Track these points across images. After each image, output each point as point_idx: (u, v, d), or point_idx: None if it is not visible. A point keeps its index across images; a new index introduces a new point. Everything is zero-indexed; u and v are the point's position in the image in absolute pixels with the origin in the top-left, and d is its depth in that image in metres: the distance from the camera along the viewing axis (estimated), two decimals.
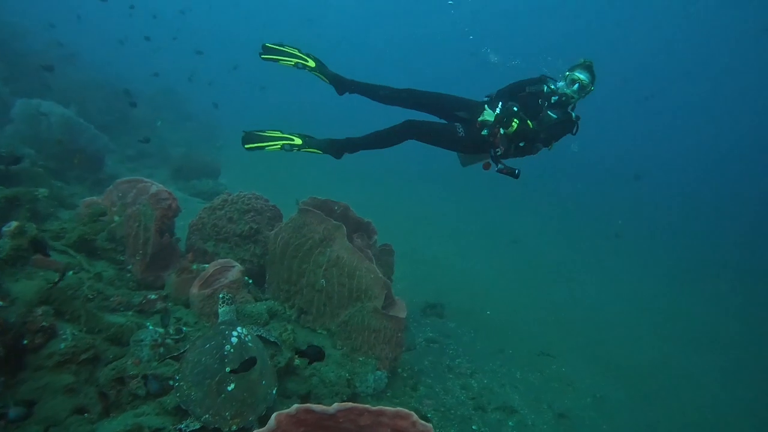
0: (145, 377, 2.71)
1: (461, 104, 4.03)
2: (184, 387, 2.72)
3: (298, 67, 3.85)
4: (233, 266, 3.64)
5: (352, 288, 4.05)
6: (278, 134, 3.62)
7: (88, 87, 8.31)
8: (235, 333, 2.90)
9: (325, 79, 4.00)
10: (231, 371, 2.67)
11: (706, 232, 19.41)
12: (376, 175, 15.10)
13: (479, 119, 3.77)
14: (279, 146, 3.55)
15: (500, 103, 3.80)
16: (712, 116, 33.76)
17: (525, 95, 3.98)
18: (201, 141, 11.52)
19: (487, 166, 3.92)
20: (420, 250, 9.59)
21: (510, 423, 4.65)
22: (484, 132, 3.75)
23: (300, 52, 3.91)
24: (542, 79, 4.04)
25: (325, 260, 4.03)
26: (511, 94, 3.99)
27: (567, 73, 3.95)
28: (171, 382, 2.82)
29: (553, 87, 3.97)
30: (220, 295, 3.10)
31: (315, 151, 3.67)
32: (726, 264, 14.93)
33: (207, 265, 3.67)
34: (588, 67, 3.95)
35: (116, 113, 8.48)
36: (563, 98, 3.90)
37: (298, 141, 3.61)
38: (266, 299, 3.89)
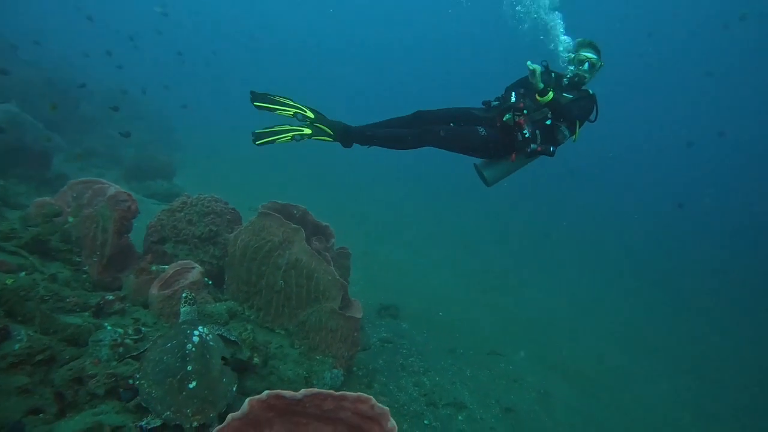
0: (119, 389, 2.73)
1: (476, 110, 3.95)
2: (145, 385, 2.76)
3: (297, 118, 3.47)
4: (193, 267, 3.68)
5: (311, 289, 4.17)
6: (290, 103, 3.43)
7: (33, 84, 7.96)
8: (196, 332, 2.97)
9: (327, 133, 3.49)
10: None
11: (637, 235, 20.67)
12: (334, 179, 15.23)
13: (504, 105, 3.72)
14: (289, 137, 3.33)
15: (513, 92, 3.76)
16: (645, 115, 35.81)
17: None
18: (153, 141, 11.24)
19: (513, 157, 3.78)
20: (376, 254, 9.80)
21: (460, 417, 4.90)
22: (507, 117, 3.66)
23: (293, 101, 3.56)
24: (547, 69, 3.97)
25: (284, 262, 4.13)
26: (520, 86, 3.90)
27: (571, 55, 3.92)
28: (131, 381, 2.86)
29: (560, 71, 3.96)
30: (183, 295, 3.16)
31: (325, 138, 3.44)
32: (663, 269, 16.08)
33: (166, 267, 3.69)
34: (591, 45, 3.92)
35: (64, 111, 8.15)
36: (576, 78, 3.86)
37: (310, 114, 3.41)
38: (226, 300, 3.95)
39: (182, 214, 4.18)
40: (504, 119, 3.68)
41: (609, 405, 6.50)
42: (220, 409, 2.98)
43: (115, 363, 2.93)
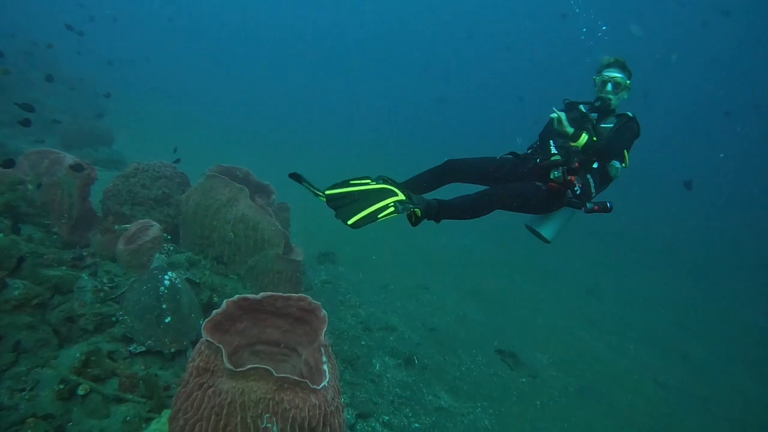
0: None
1: (514, 162, 3.54)
2: (128, 320, 3.44)
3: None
4: (152, 225, 4.27)
5: (257, 239, 4.89)
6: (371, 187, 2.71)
7: None
8: (167, 277, 3.63)
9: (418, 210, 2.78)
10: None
11: None
12: (273, 140, 15.55)
13: (548, 159, 3.30)
14: (391, 211, 2.58)
15: (551, 141, 3.42)
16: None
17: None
18: (83, 108, 11.00)
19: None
20: (315, 209, 10.52)
21: (391, 338, 5.92)
22: (556, 174, 3.23)
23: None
24: (571, 105, 3.63)
25: (232, 217, 4.80)
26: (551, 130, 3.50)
27: (595, 78, 3.55)
28: (113, 319, 3.51)
29: (588, 105, 3.58)
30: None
31: (416, 211, 2.77)
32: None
33: (128, 225, 4.26)
34: (617, 63, 3.52)
35: None
36: (597, 103, 3.48)
37: (401, 196, 2.65)
38: (183, 252, 4.59)
39: (136, 179, 4.68)
40: (552, 177, 3.25)
41: (513, 319, 7.87)
42: (191, 338, 3.71)
43: (98, 305, 3.56)
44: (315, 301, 2.45)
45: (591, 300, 10.39)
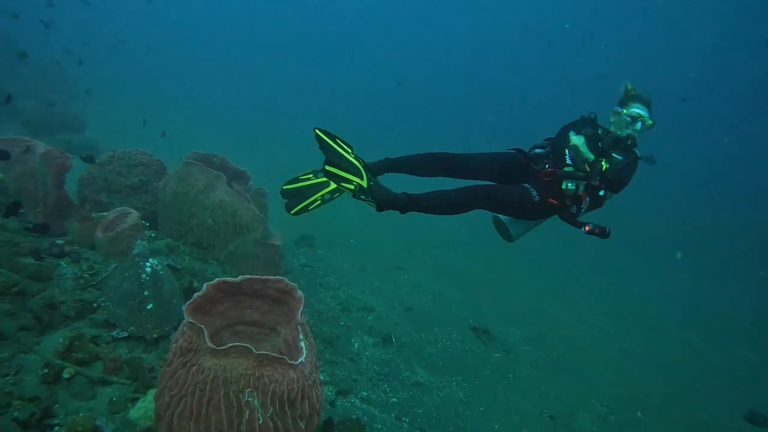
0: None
1: (519, 160, 3.42)
2: (111, 306, 3.50)
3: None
4: (131, 212, 4.31)
5: (235, 224, 4.97)
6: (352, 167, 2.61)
7: None
8: (148, 263, 3.69)
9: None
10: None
11: None
12: (249, 127, 15.44)
13: (563, 170, 3.11)
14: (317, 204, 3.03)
15: (566, 151, 3.25)
16: None
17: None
18: (51, 92, 10.70)
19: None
20: None
21: (369, 317, 6.10)
22: (570, 186, 3.06)
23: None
24: (589, 121, 3.45)
25: (210, 203, 4.85)
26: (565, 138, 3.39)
27: (621, 110, 3.38)
28: (94, 305, 3.58)
29: (608, 129, 3.44)
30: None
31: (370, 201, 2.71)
32: None
33: (106, 213, 4.29)
34: (646, 102, 3.40)
35: None
36: (629, 141, 3.33)
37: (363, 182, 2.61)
38: (163, 238, 4.65)
39: (111, 167, 4.69)
40: (563, 188, 3.09)
41: (488, 298, 8.16)
42: (173, 324, 3.79)
43: (79, 292, 3.62)
44: (291, 283, 2.58)
45: (565, 278, 10.79)
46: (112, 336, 3.41)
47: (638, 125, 3.33)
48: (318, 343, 4.92)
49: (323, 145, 2.60)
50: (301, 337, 2.28)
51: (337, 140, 2.65)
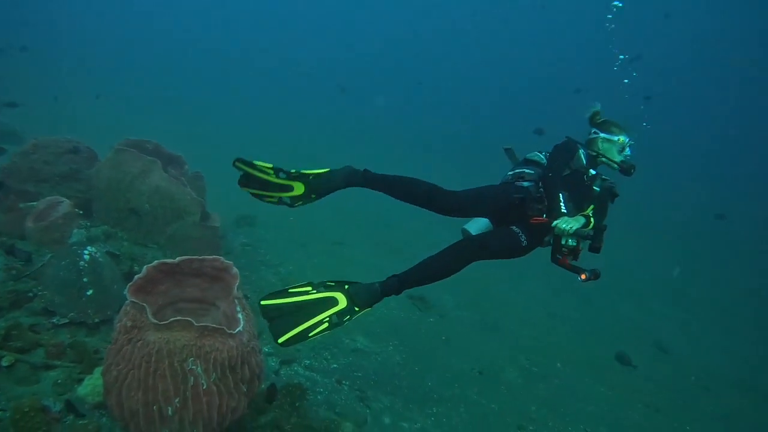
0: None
1: (513, 202, 3.14)
2: (48, 295, 3.56)
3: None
4: (62, 201, 4.30)
5: (174, 208, 5.05)
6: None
7: None
8: (86, 251, 3.73)
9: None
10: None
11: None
12: (182, 110, 14.94)
13: (561, 227, 2.83)
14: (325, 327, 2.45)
15: (560, 195, 2.96)
16: None
17: (569, 175, 3.21)
18: None
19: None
20: (228, 173, 10.57)
21: None
22: (571, 242, 2.88)
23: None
24: (573, 146, 3.33)
25: (147, 189, 4.89)
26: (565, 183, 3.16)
27: (612, 137, 3.37)
28: (30, 294, 3.61)
29: (588, 153, 3.36)
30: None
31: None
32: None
33: (35, 203, 4.26)
34: (618, 126, 3.42)
35: None
36: (626, 172, 3.32)
37: (343, 303, 2.58)
38: (99, 226, 4.66)
39: (36, 156, 4.60)
40: (562, 243, 2.91)
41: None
42: (115, 308, 3.87)
43: (12, 283, 3.63)
44: (227, 261, 2.81)
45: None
46: (52, 323, 3.48)
47: (627, 151, 3.38)
48: (261, 318, 5.15)
49: (272, 316, 2.46)
50: (238, 309, 2.53)
51: (288, 292, 2.54)
